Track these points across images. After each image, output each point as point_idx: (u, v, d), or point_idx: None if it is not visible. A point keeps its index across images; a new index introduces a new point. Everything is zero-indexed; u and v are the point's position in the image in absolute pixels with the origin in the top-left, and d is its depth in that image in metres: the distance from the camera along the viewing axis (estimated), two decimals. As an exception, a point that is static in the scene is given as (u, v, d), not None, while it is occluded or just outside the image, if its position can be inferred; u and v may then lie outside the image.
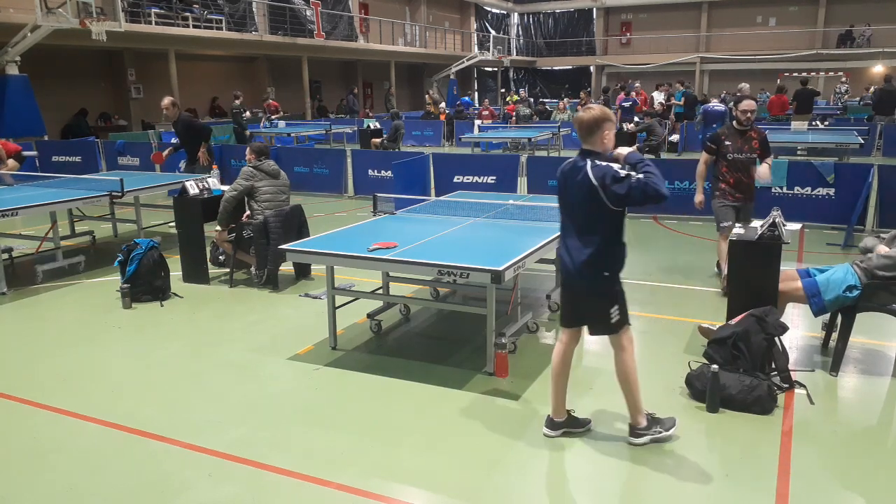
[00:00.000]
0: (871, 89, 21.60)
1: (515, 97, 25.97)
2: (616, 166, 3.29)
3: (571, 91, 30.23)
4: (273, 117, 19.05)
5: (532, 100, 26.47)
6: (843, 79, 27.85)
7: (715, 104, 13.72)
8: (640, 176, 3.21)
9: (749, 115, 5.99)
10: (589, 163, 3.34)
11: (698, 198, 6.28)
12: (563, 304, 3.70)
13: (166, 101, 9.13)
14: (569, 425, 3.74)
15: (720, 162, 6.06)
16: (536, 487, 3.29)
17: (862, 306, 4.39)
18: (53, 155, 13.68)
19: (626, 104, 18.24)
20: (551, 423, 3.73)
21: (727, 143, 5.99)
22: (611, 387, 4.34)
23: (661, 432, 3.60)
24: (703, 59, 33.64)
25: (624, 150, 3.38)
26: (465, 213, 5.89)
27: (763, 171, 5.92)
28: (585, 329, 3.66)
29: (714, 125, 12.71)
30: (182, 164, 9.94)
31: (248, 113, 17.54)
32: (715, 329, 4.45)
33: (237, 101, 17.09)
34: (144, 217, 8.33)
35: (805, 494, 3.19)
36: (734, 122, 6.12)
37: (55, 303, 6.25)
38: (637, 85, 20.96)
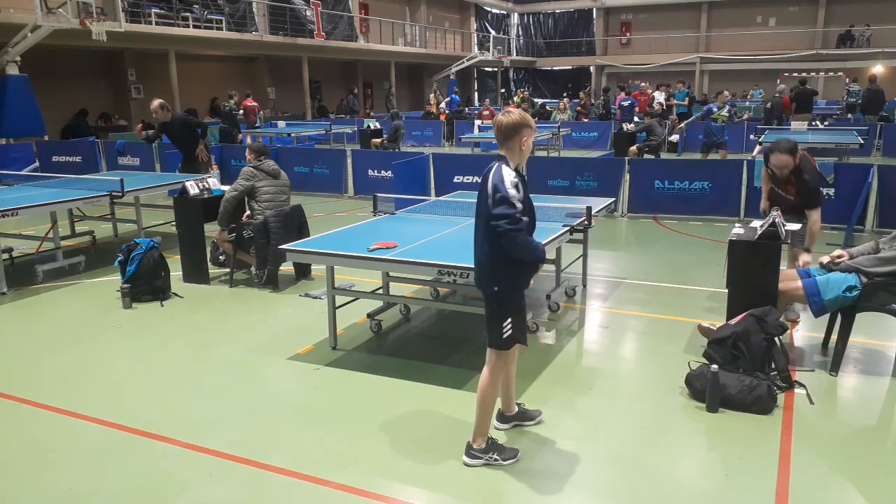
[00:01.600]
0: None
1: (519, 97, 25.98)
2: (510, 183, 3.09)
3: (573, 91, 30.20)
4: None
5: (533, 100, 26.44)
6: (847, 79, 27.85)
7: (713, 105, 13.62)
8: (513, 230, 3.04)
9: (782, 170, 5.07)
10: (495, 166, 3.20)
11: (763, 205, 5.56)
12: None
13: (155, 104, 8.94)
14: (518, 418, 3.81)
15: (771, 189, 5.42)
16: (536, 487, 3.29)
17: (862, 306, 4.39)
18: (54, 155, 13.70)
19: (626, 104, 18.27)
20: (501, 417, 3.80)
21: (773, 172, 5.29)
22: (611, 387, 4.36)
23: (497, 460, 3.42)
24: (702, 60, 33.64)
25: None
26: (465, 213, 5.89)
27: (804, 259, 5.02)
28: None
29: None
30: (180, 166, 9.92)
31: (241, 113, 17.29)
32: (715, 328, 4.46)
33: (232, 101, 16.98)
34: (145, 217, 8.34)
35: (805, 494, 3.19)
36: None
37: (55, 303, 6.25)
38: (643, 85, 20.93)
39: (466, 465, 3.43)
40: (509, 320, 3.28)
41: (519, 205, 3.11)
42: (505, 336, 3.29)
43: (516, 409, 3.81)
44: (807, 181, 5.13)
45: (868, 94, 18.49)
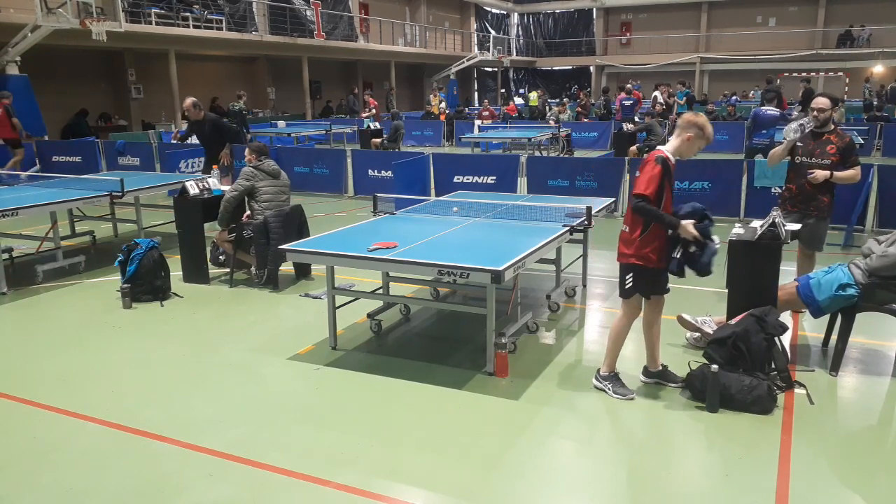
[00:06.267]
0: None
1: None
2: None
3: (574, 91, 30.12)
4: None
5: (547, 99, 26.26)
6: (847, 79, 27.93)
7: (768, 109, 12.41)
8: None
9: (817, 114, 5.18)
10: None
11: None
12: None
13: (188, 101, 9.20)
14: (660, 377, 4.29)
15: (789, 165, 5.41)
16: (536, 487, 3.29)
17: (862, 306, 4.40)
18: (54, 155, 13.68)
19: (627, 103, 18.25)
20: (646, 372, 4.32)
21: (799, 143, 5.29)
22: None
23: (610, 389, 4.15)
24: (702, 60, 33.66)
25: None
26: (465, 213, 5.89)
27: (844, 175, 5.16)
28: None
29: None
30: (200, 164, 9.98)
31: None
32: (695, 322, 4.68)
33: (241, 102, 17.01)
34: (145, 217, 8.34)
35: (805, 494, 3.19)
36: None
37: (55, 303, 6.24)
38: (628, 86, 20.94)
39: (594, 386, 4.21)
40: (631, 275, 3.97)
41: None
42: (626, 286, 4.00)
43: (660, 367, 4.29)
44: (845, 134, 5.34)
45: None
